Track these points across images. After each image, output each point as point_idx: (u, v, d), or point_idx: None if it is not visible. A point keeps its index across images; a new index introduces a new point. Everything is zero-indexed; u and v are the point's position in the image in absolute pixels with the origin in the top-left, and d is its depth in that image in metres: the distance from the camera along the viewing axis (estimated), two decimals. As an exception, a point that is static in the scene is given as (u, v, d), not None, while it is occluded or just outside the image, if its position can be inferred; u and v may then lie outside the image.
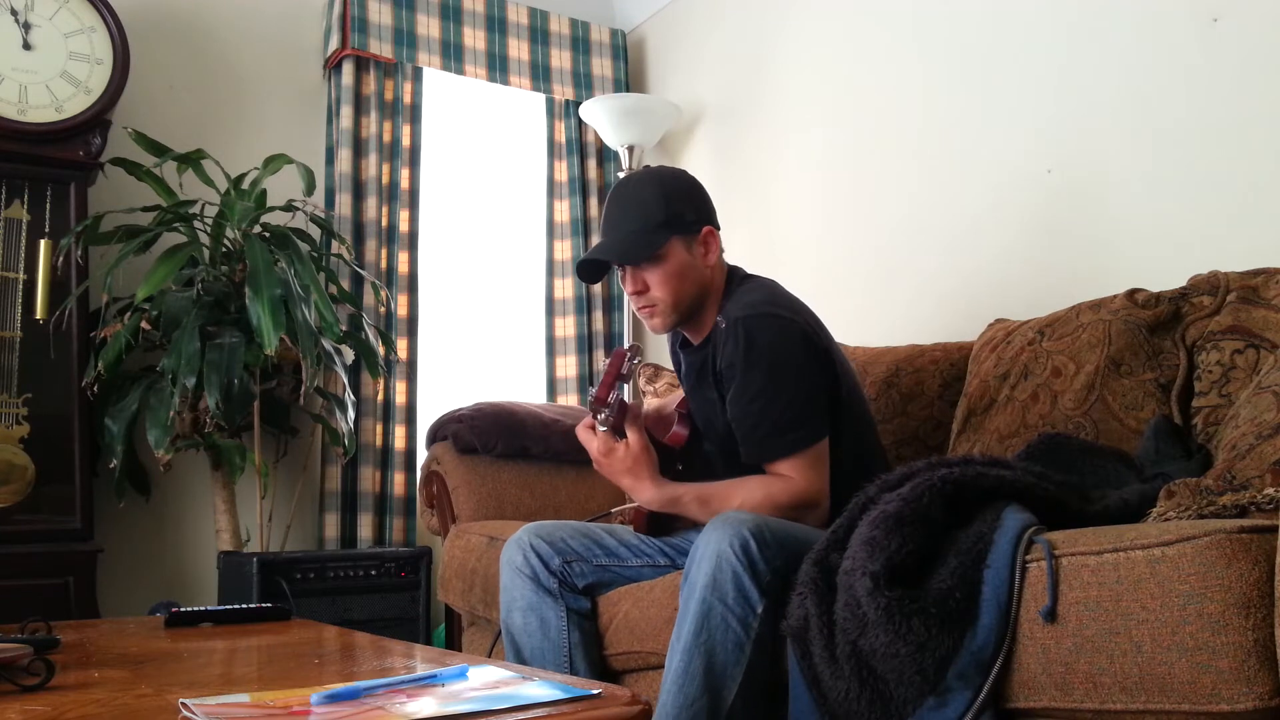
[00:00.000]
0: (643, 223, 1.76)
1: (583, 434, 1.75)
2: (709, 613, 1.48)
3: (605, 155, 3.67)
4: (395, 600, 2.73)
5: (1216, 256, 1.87)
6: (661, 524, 1.91)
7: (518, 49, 3.52)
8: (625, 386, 1.72)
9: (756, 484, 1.71)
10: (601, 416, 1.66)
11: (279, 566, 2.57)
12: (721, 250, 1.85)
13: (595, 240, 3.59)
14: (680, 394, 2.06)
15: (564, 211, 3.57)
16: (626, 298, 3.46)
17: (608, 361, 1.65)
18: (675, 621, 1.54)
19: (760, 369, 1.70)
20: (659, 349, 3.49)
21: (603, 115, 3.32)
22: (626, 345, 1.65)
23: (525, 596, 1.81)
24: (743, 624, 1.48)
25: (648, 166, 2.07)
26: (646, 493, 1.73)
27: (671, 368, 2.22)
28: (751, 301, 1.76)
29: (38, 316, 2.52)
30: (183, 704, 0.95)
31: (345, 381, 2.92)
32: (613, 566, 1.86)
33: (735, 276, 1.88)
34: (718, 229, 1.84)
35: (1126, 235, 2.22)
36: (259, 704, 0.97)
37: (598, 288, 3.56)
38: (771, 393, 1.70)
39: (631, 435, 1.70)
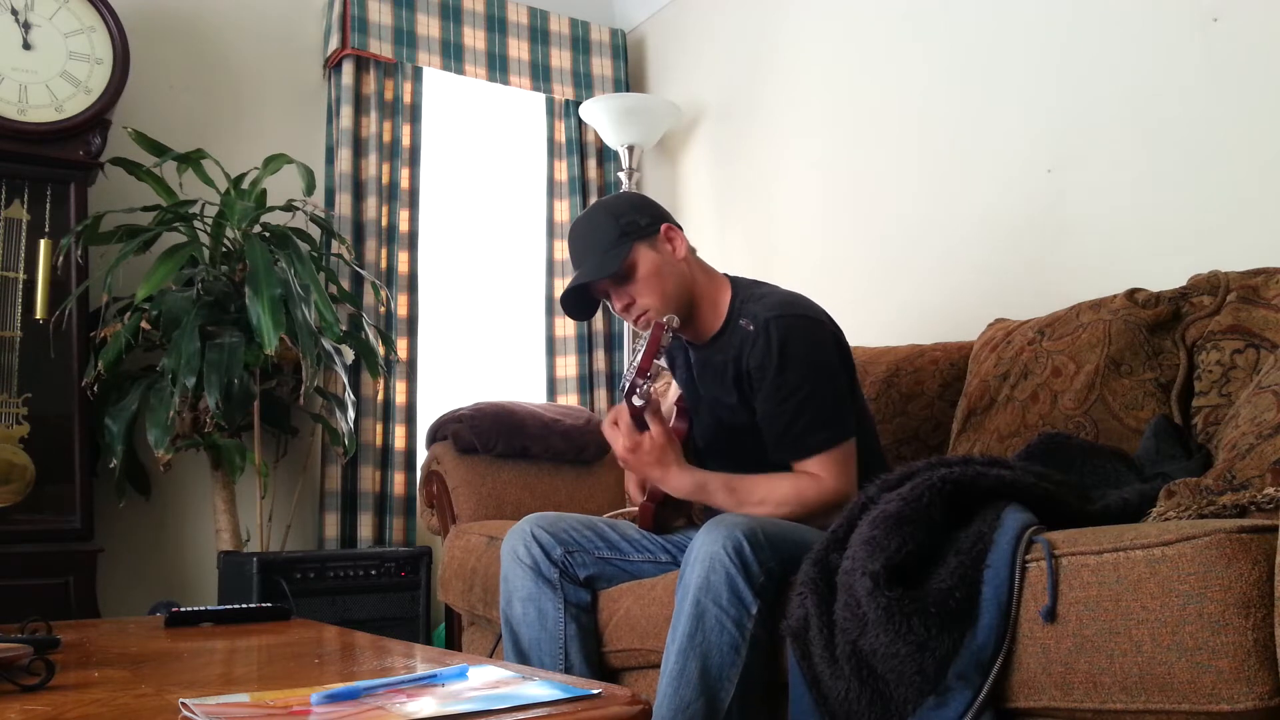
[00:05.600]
0: (603, 242, 1.80)
1: (608, 431, 1.75)
2: (703, 615, 1.49)
3: (605, 155, 3.67)
4: (395, 600, 2.73)
5: (1216, 256, 1.87)
6: (665, 521, 1.91)
7: (518, 49, 3.52)
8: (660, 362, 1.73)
9: (785, 480, 1.72)
10: (642, 389, 1.66)
11: (279, 566, 2.57)
12: (690, 246, 1.87)
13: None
14: (675, 390, 2.06)
15: (564, 211, 3.57)
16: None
17: (645, 336, 1.66)
18: (670, 623, 1.54)
19: (795, 369, 1.71)
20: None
21: (603, 115, 3.32)
22: (664, 319, 1.68)
23: (524, 586, 1.82)
24: (737, 625, 1.48)
25: (592, 204, 2.13)
26: (674, 480, 1.72)
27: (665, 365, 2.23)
28: (778, 303, 1.78)
29: (38, 316, 2.52)
30: (183, 704, 0.95)
31: (345, 381, 2.92)
32: (615, 560, 1.86)
33: (741, 282, 1.90)
34: (677, 226, 1.87)
35: (1126, 235, 2.22)
36: (259, 704, 0.97)
37: (598, 288, 3.56)
38: (807, 392, 1.71)
39: (654, 426, 1.71)
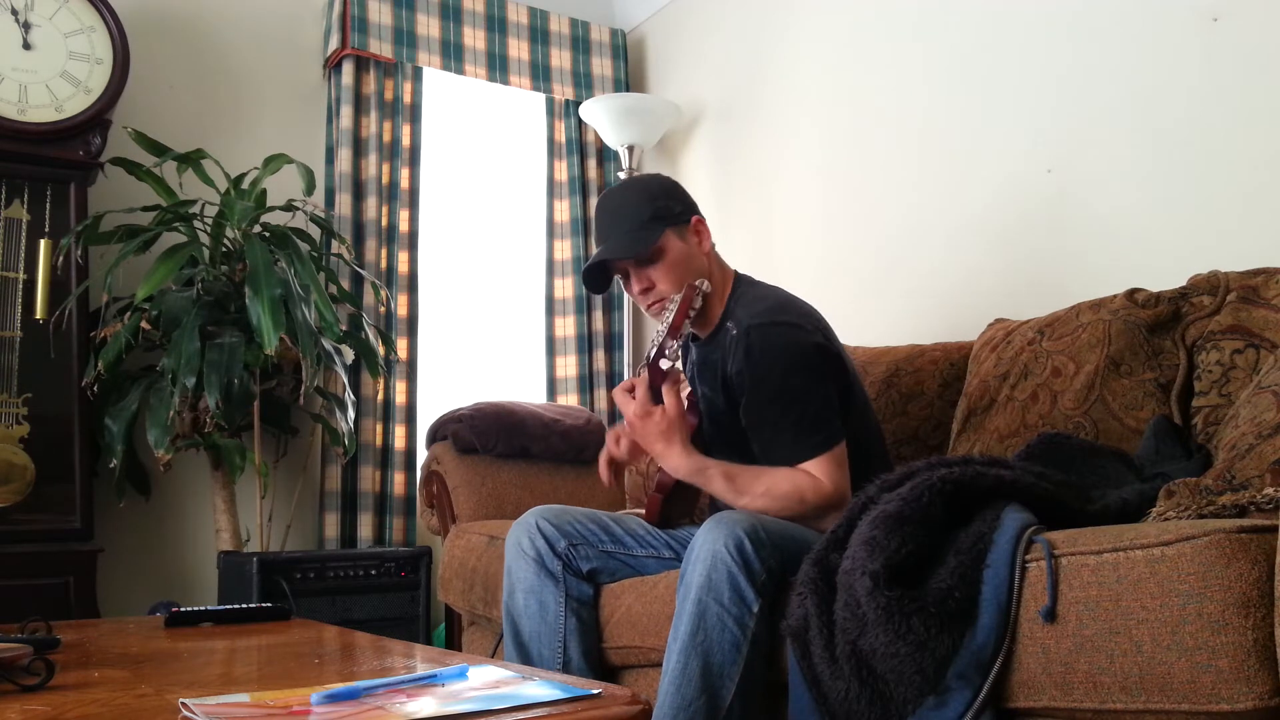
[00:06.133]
0: (635, 221, 1.80)
1: (620, 396, 1.76)
2: (705, 613, 1.49)
3: (605, 155, 3.67)
4: (395, 600, 2.73)
5: (1216, 256, 1.87)
6: (671, 516, 1.92)
7: (518, 49, 3.52)
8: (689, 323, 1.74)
9: (785, 475, 1.72)
10: (672, 350, 1.66)
11: (279, 566, 2.57)
12: (713, 241, 1.89)
13: (593, 248, 3.59)
14: (687, 386, 2.07)
15: (564, 211, 3.57)
16: (629, 298, 3.47)
17: (675, 301, 1.68)
18: (672, 622, 1.54)
19: (775, 377, 1.72)
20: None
21: (603, 115, 3.32)
22: (697, 280, 1.69)
23: (527, 579, 1.82)
24: (739, 624, 1.48)
25: (626, 179, 2.11)
26: (676, 459, 1.72)
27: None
28: (762, 310, 1.78)
29: (38, 316, 2.52)
30: (183, 704, 0.95)
31: (345, 381, 2.92)
32: (618, 554, 1.86)
33: (742, 281, 1.91)
34: (704, 219, 1.88)
35: (1126, 235, 2.22)
36: (259, 704, 0.97)
37: (598, 287, 3.56)
38: (788, 400, 1.71)
39: (669, 400, 1.70)
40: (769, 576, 1.51)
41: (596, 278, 1.88)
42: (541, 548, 1.82)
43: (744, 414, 1.77)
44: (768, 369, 1.72)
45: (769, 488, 1.70)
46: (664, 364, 1.67)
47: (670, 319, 1.67)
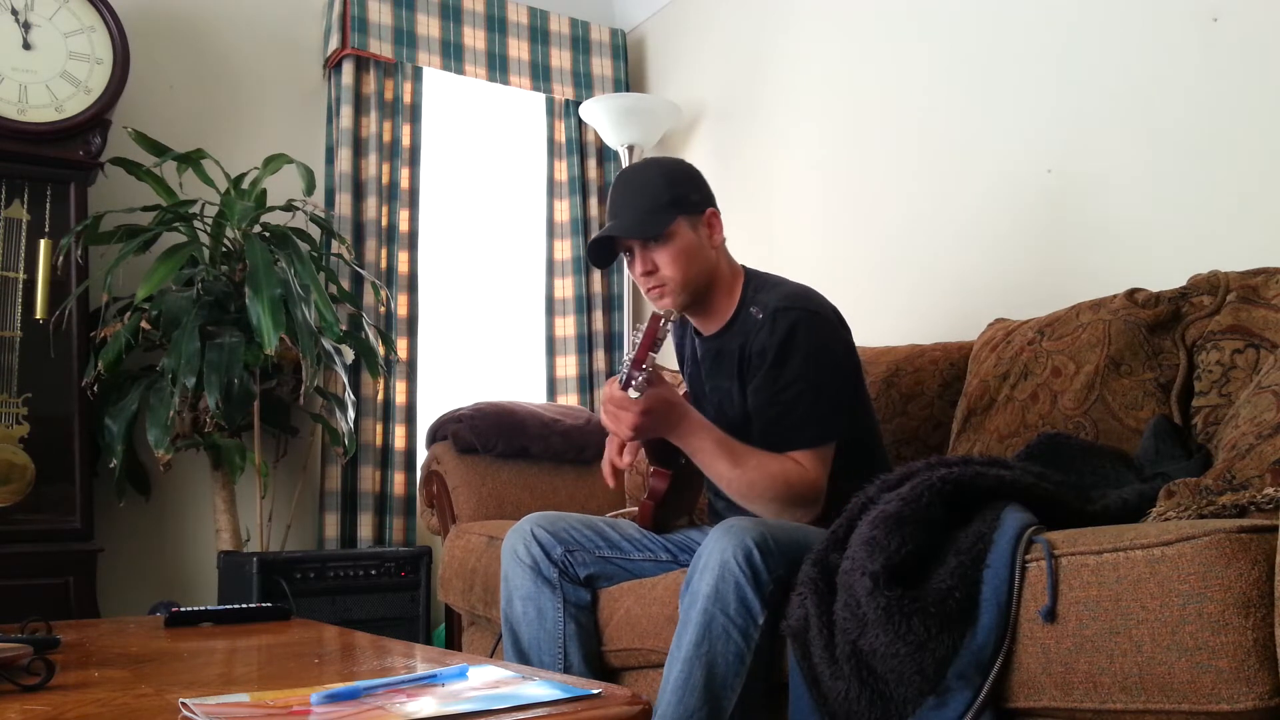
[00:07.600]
0: (650, 202, 1.79)
1: (609, 420, 1.70)
2: (711, 624, 1.48)
3: (605, 155, 3.67)
4: (395, 600, 2.73)
5: (1216, 256, 1.87)
6: (664, 520, 1.92)
7: (518, 49, 3.52)
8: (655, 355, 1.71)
9: (774, 459, 1.71)
10: (638, 380, 1.64)
11: (279, 566, 2.57)
12: (724, 236, 1.88)
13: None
14: (682, 388, 2.06)
15: (564, 211, 3.57)
16: (628, 289, 3.47)
17: (642, 327, 1.64)
18: (675, 630, 1.54)
19: (797, 361, 1.71)
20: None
21: (603, 115, 3.32)
22: (662, 311, 1.66)
23: (524, 586, 1.82)
24: (744, 635, 1.48)
25: (649, 157, 2.09)
26: (692, 424, 1.69)
27: (674, 364, 2.23)
28: (791, 294, 1.79)
29: (38, 316, 2.52)
30: (183, 704, 0.95)
31: (345, 381, 2.92)
32: (615, 559, 1.87)
33: (755, 273, 1.91)
34: (719, 212, 1.87)
35: (1126, 235, 2.22)
36: (259, 704, 0.97)
37: (598, 287, 3.57)
38: (804, 385, 1.71)
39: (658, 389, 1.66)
40: (776, 586, 1.50)
41: (601, 252, 1.86)
42: (537, 554, 1.82)
43: (753, 392, 1.76)
44: (791, 352, 1.71)
45: (761, 462, 1.69)
46: (632, 393, 1.62)
47: (635, 352, 1.62)
